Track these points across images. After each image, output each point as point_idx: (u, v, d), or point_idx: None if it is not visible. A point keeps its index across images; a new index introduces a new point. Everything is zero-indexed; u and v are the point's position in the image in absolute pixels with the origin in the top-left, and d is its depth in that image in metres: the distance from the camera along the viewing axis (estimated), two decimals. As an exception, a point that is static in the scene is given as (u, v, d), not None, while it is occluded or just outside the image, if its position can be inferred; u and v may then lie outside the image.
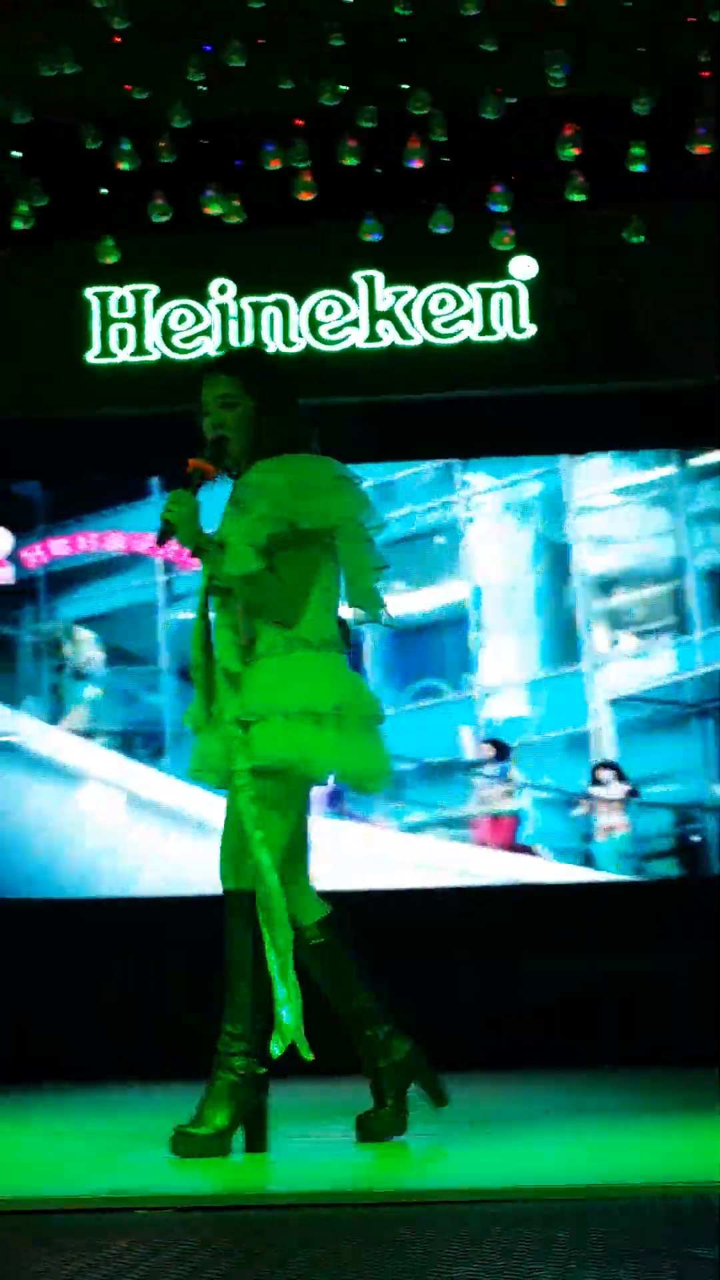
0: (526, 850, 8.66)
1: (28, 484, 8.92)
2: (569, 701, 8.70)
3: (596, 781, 8.63)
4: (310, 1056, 4.61)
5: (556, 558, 8.84)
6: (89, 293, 8.67)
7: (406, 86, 7.44)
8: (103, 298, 8.68)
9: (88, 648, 8.86)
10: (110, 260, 8.30)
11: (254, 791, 4.66)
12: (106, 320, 8.68)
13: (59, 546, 8.87)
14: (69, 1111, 6.47)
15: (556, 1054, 7.88)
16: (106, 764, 8.75)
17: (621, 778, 8.60)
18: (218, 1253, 3.21)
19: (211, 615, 4.84)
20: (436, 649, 8.83)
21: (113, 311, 8.68)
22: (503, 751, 8.69)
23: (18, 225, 8.07)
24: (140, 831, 8.67)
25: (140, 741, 8.81)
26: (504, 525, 8.88)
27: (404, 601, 8.71)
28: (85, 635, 8.88)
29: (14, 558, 8.89)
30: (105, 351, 8.66)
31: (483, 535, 8.88)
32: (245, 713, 4.70)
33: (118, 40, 7.14)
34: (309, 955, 4.83)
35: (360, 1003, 4.85)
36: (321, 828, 8.67)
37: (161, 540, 4.79)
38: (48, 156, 8.04)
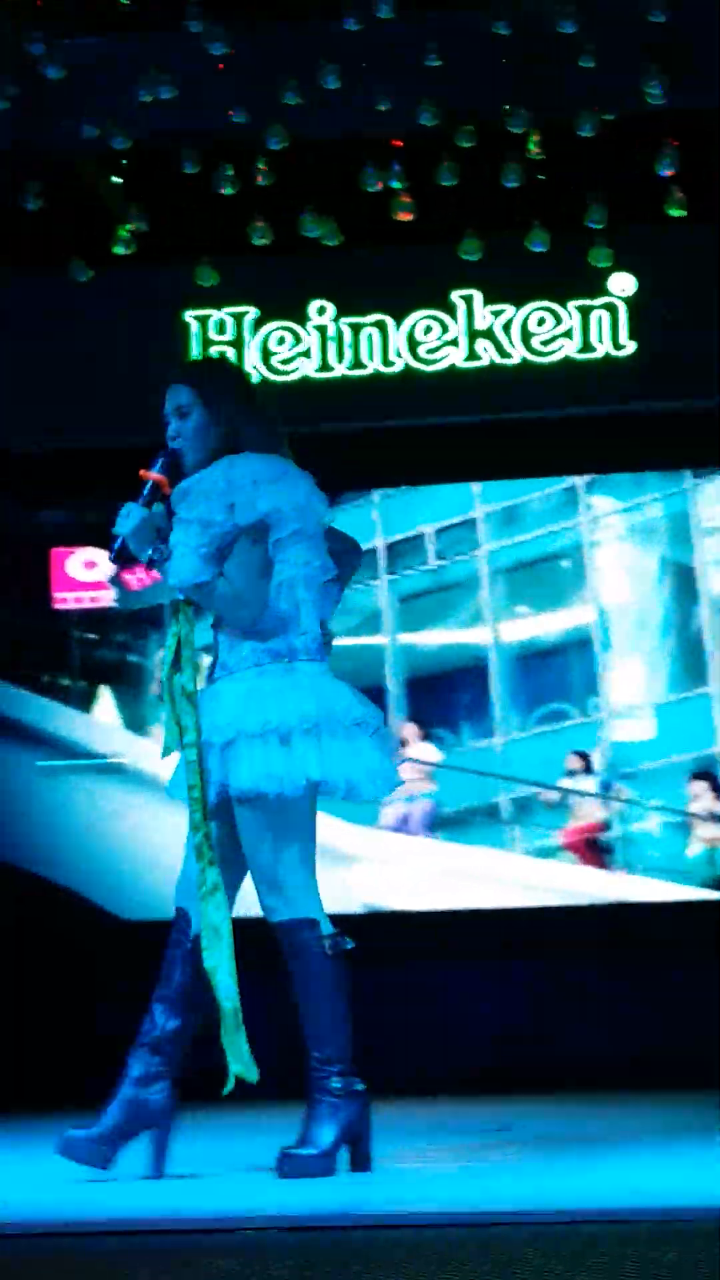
0: (618, 866, 8.62)
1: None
2: (696, 724, 8.64)
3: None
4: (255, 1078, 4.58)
5: (683, 579, 8.79)
6: (188, 316, 8.72)
7: (506, 106, 7.43)
8: (202, 321, 8.72)
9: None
10: (209, 283, 8.34)
11: (246, 819, 4.54)
12: (206, 343, 8.72)
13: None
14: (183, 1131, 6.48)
15: (665, 1072, 7.83)
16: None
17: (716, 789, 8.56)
18: (325, 1273, 3.21)
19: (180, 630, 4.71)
20: (562, 672, 8.81)
21: (212, 334, 8.72)
22: (588, 764, 8.66)
23: (119, 250, 8.13)
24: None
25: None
26: (629, 547, 8.85)
27: (530, 625, 8.72)
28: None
29: (116, 580, 8.94)
30: (205, 374, 8.70)
31: (608, 558, 8.85)
32: (214, 733, 4.56)
33: (220, 68, 7.19)
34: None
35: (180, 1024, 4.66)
36: (454, 852, 8.74)
37: (116, 558, 4.64)
38: (147, 180, 8.09)
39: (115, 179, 8.05)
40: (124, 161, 7.96)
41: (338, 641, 4.81)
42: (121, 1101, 4.56)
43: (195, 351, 8.69)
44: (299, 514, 4.63)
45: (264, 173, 7.74)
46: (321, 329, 8.70)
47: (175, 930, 4.67)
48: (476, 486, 8.89)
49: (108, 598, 8.96)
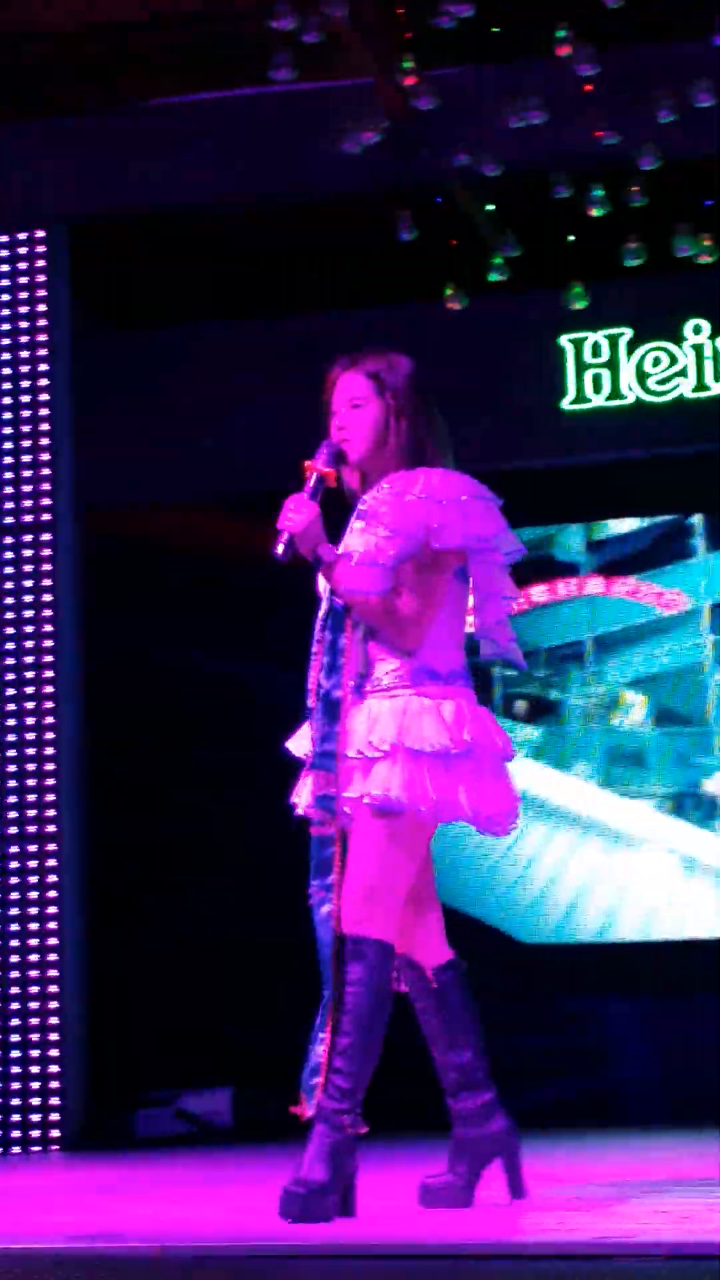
0: None
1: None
2: None
3: None
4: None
5: None
6: (563, 340, 8.72)
7: None
8: (577, 344, 8.71)
9: (637, 710, 8.87)
10: (580, 305, 8.33)
11: (370, 831, 4.29)
12: (581, 366, 8.71)
13: (538, 593, 8.92)
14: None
15: None
16: (657, 827, 8.74)
17: None
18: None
19: (327, 636, 4.39)
20: None
21: (587, 357, 8.71)
22: None
23: (493, 277, 8.17)
24: (695, 889, 8.68)
25: (691, 803, 8.77)
26: None
27: None
28: (635, 698, 8.90)
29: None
30: (580, 397, 8.69)
31: None
32: (368, 748, 4.28)
33: (588, 89, 7.18)
34: (425, 999, 4.50)
35: (464, 1059, 4.48)
36: None
37: (284, 551, 4.31)
38: (519, 205, 8.12)
39: (488, 206, 8.09)
40: (495, 189, 8.00)
41: None
42: (461, 1144, 4.47)
43: (571, 375, 8.69)
44: (501, 543, 4.37)
45: (635, 193, 7.70)
46: (698, 348, 8.62)
47: (407, 980, 4.52)
48: None
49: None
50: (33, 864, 7.57)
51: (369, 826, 4.28)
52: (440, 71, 7.22)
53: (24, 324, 7.86)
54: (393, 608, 4.30)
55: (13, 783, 7.64)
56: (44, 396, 7.83)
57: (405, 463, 4.37)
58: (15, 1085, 7.41)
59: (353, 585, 4.28)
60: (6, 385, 7.85)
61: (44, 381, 7.83)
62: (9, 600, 7.69)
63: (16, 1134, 7.39)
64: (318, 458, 4.36)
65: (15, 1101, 7.40)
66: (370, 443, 4.40)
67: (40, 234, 7.82)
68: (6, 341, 7.87)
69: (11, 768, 7.65)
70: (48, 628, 7.65)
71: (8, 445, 7.76)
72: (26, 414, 7.78)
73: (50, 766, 7.63)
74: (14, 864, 7.57)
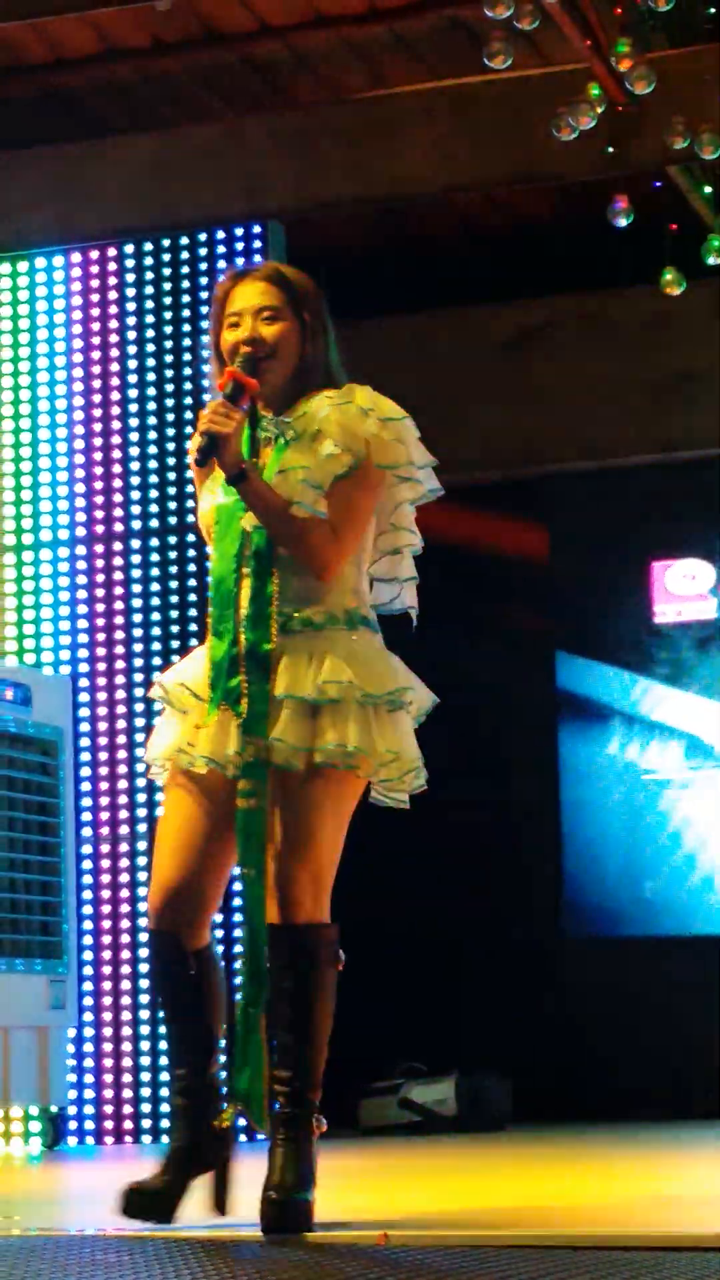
0: None
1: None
2: None
3: None
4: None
5: None
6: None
7: None
8: None
9: None
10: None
11: (316, 795, 3.88)
12: None
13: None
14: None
15: None
16: None
17: None
18: None
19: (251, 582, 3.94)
20: None
21: None
22: None
23: (710, 260, 8.08)
24: None
25: None
26: None
27: None
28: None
29: (717, 589, 8.90)
30: None
31: None
32: (319, 694, 3.85)
33: None
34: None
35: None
36: None
37: (203, 459, 3.92)
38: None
39: (706, 188, 8.00)
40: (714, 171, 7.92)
41: None
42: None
43: None
44: (429, 477, 4.04)
45: None
46: None
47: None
48: None
49: (710, 609, 8.92)
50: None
51: (316, 788, 3.90)
52: (657, 56, 7.15)
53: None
54: (313, 528, 3.92)
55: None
56: (262, 390, 7.87)
57: (320, 384, 4.02)
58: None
59: (275, 504, 3.90)
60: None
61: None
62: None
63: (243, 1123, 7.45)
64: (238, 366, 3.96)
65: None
66: (288, 363, 4.01)
67: (257, 229, 7.88)
68: (225, 336, 7.93)
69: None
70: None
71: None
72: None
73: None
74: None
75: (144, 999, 7.54)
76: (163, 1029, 4.06)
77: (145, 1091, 7.55)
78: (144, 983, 7.51)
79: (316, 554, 3.93)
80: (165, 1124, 7.52)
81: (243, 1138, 4.47)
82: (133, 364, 7.93)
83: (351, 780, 3.96)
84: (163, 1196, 3.93)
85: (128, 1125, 7.55)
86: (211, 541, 4.06)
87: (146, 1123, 7.54)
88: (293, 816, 3.91)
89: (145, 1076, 7.55)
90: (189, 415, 7.79)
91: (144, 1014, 7.55)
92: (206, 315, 7.81)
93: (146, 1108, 7.56)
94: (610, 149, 7.44)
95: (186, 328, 7.91)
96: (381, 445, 3.98)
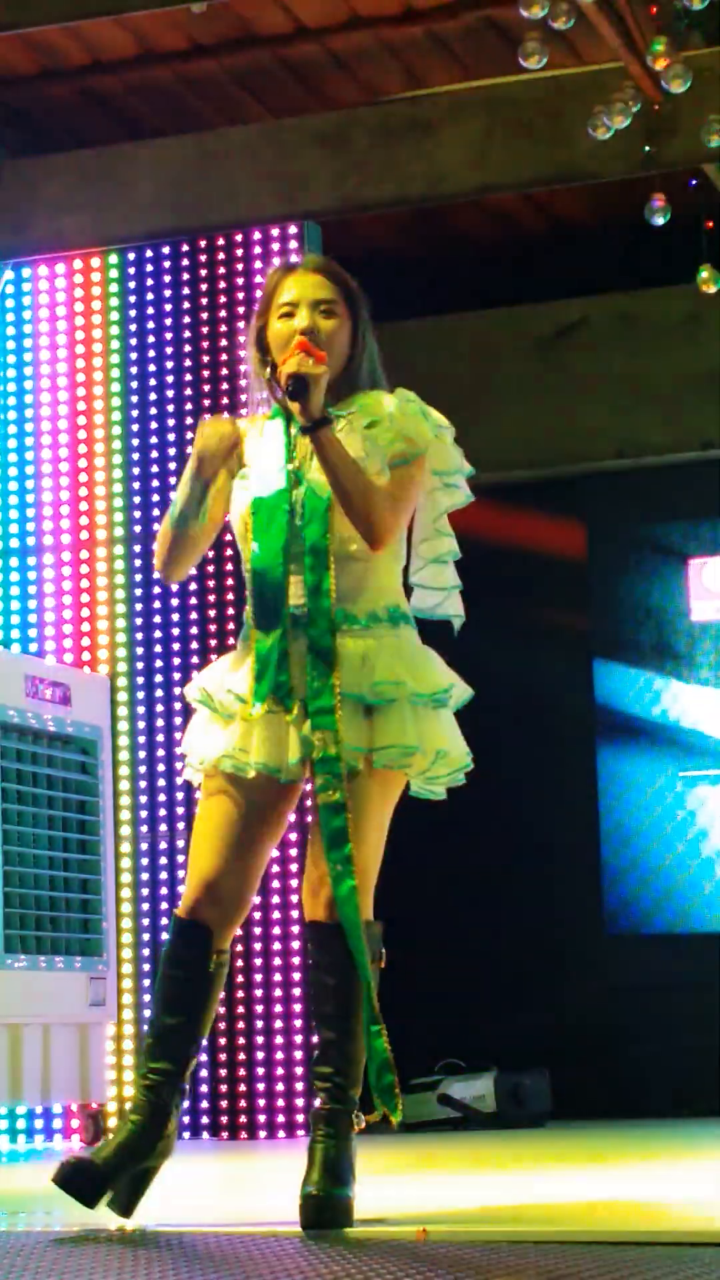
0: None
1: None
2: None
3: None
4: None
5: None
6: None
7: None
8: None
9: None
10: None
11: (374, 793, 3.92)
12: None
13: None
14: None
15: None
16: None
17: None
18: None
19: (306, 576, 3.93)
20: None
21: None
22: None
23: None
24: None
25: None
26: None
27: None
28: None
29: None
30: None
31: None
32: (376, 695, 3.88)
33: None
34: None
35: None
36: None
37: (292, 394, 3.87)
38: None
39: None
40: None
41: None
42: None
43: None
44: (465, 488, 4.09)
45: None
46: None
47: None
48: None
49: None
50: (293, 851, 7.65)
51: (376, 783, 3.94)
52: (692, 53, 7.15)
53: (280, 318, 7.95)
54: (378, 490, 3.92)
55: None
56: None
57: (361, 387, 4.05)
58: (280, 1072, 7.50)
59: (348, 458, 3.89)
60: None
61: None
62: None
63: (281, 1119, 7.48)
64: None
65: (280, 1088, 7.49)
66: (341, 359, 4.02)
67: (294, 230, 7.90)
68: (263, 336, 7.96)
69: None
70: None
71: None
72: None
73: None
74: (276, 852, 7.66)
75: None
76: (152, 1016, 3.99)
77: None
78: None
79: (380, 518, 3.92)
80: (205, 1119, 7.56)
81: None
82: (171, 364, 7.95)
83: (399, 779, 4.00)
84: (97, 1179, 3.86)
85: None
86: (249, 534, 4.03)
87: (186, 1119, 7.56)
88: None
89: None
90: (242, 412, 7.81)
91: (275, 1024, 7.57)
92: (244, 315, 7.89)
93: (185, 1104, 7.59)
94: (646, 148, 7.44)
95: (224, 328, 7.93)
96: (438, 449, 4.03)
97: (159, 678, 7.81)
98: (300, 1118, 7.39)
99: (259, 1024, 7.55)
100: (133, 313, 8.03)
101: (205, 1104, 7.55)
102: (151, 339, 7.99)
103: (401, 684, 3.91)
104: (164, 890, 7.67)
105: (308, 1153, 3.91)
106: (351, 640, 3.94)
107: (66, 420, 8.05)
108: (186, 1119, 7.56)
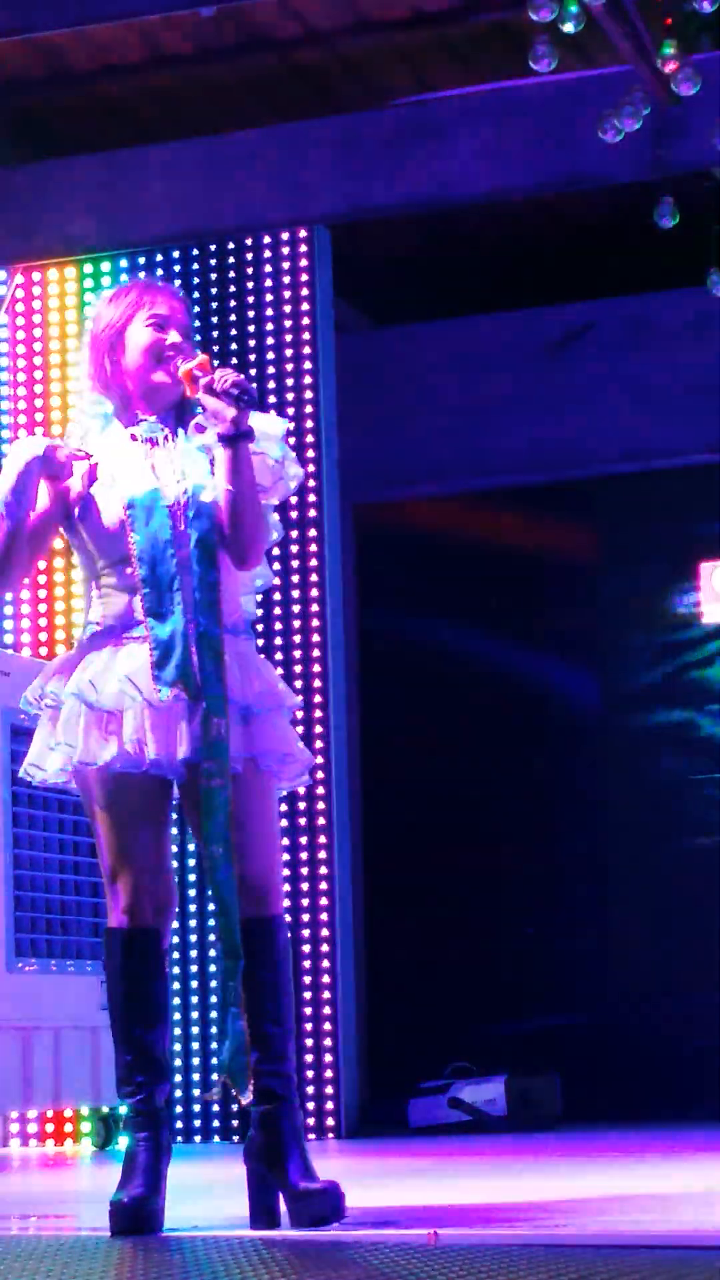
0: None
1: None
2: None
3: None
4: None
5: None
6: None
7: None
8: None
9: None
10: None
11: (268, 791, 4.04)
12: None
13: None
14: None
15: None
16: None
17: None
18: None
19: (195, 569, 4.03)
20: None
21: None
22: None
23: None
24: None
25: None
26: None
27: None
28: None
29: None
30: None
31: None
32: (257, 703, 4.01)
33: None
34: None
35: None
36: None
37: (243, 402, 3.97)
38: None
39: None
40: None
41: None
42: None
43: None
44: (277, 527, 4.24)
45: None
46: None
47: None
48: None
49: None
50: (304, 855, 7.66)
51: (267, 786, 4.04)
52: (703, 56, 7.15)
53: (288, 322, 7.96)
54: (266, 522, 4.11)
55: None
56: (308, 394, 7.92)
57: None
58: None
59: (253, 480, 4.02)
60: (272, 384, 7.95)
61: (308, 380, 7.92)
62: (276, 596, 7.78)
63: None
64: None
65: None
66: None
67: (303, 234, 7.91)
68: (271, 341, 7.97)
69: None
70: (315, 622, 7.73)
71: (276, 443, 7.84)
72: (291, 411, 7.87)
73: (320, 759, 7.72)
74: (285, 855, 7.66)
75: (194, 999, 7.59)
76: (120, 1033, 4.01)
77: (195, 1092, 7.58)
78: (194, 983, 7.55)
79: (265, 540, 4.11)
80: (215, 1123, 7.56)
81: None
82: (180, 368, 7.95)
83: (274, 783, 4.08)
84: (151, 1209, 3.90)
85: (178, 1125, 7.58)
86: (130, 530, 4.04)
87: (197, 1122, 7.57)
88: (248, 815, 3.97)
89: (195, 1076, 7.58)
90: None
91: (194, 1014, 7.58)
92: (253, 319, 7.91)
93: (197, 1107, 7.60)
94: (656, 151, 7.44)
95: (234, 331, 7.94)
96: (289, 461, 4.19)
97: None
98: (312, 1120, 7.39)
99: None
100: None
101: (215, 1108, 7.54)
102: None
103: (271, 693, 4.03)
104: (174, 894, 7.67)
105: (263, 1153, 3.91)
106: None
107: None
108: (197, 1123, 7.56)
